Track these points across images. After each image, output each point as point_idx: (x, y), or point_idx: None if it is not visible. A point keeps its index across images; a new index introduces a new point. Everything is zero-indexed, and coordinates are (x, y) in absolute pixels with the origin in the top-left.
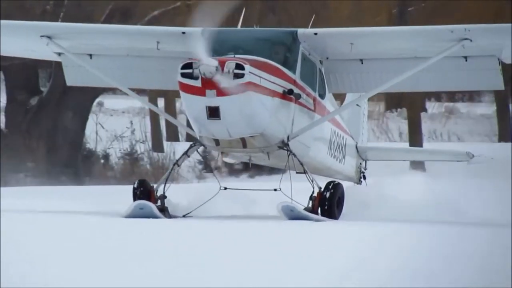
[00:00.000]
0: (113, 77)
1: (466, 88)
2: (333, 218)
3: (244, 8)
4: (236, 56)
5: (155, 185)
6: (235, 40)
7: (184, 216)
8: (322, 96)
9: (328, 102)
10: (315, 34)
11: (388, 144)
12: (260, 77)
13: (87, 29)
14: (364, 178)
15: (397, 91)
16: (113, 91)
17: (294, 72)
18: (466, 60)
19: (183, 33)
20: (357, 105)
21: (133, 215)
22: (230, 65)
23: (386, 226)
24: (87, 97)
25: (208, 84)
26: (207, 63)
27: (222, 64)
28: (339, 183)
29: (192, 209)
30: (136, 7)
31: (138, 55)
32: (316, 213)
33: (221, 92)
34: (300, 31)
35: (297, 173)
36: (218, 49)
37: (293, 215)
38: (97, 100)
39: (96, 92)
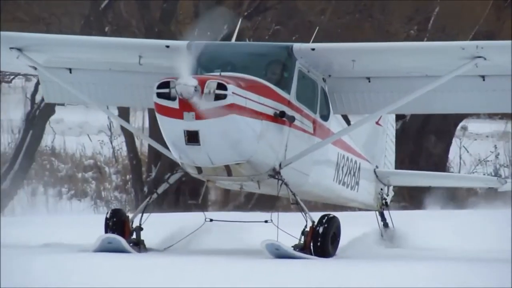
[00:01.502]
0: (95, 94)
1: (485, 111)
2: (327, 255)
3: (240, 19)
4: (223, 74)
5: (130, 215)
6: (224, 56)
7: (165, 249)
8: (325, 117)
9: (334, 124)
10: (313, 49)
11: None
12: (246, 98)
13: (60, 41)
14: (387, 205)
15: (410, 112)
16: (476, 115)
17: (289, 92)
18: (484, 80)
19: (167, 46)
20: (379, 124)
21: (101, 249)
22: (211, 85)
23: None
24: (450, 121)
25: (186, 106)
26: (185, 82)
27: (202, 83)
28: (334, 217)
29: (173, 243)
30: (501, 31)
31: (121, 70)
32: (309, 250)
33: (200, 115)
34: (296, 46)
35: (291, 204)
36: (205, 65)
37: (279, 254)
38: (461, 124)
39: (460, 116)
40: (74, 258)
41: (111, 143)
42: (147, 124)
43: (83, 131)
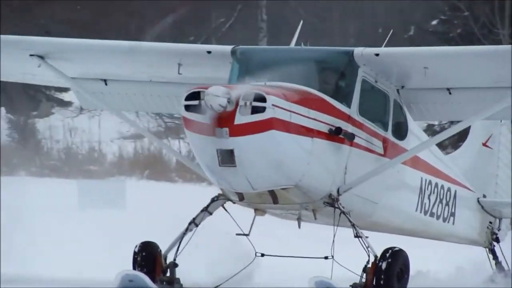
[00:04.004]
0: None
1: None
2: None
3: (302, 21)
4: (268, 83)
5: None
6: (273, 63)
7: None
8: (400, 136)
9: (414, 144)
10: (377, 55)
11: None
12: (291, 111)
13: (90, 46)
14: (498, 241)
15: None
16: None
17: (349, 105)
18: None
19: (209, 52)
20: (487, 146)
21: None
22: (247, 96)
23: None
24: None
25: (218, 120)
26: (215, 93)
27: (237, 94)
28: (400, 250)
29: (219, 284)
30: None
31: (162, 81)
32: None
33: (235, 131)
34: (357, 51)
35: (355, 237)
36: (252, 73)
37: None
38: None
39: None
40: None
41: None
42: None
43: None
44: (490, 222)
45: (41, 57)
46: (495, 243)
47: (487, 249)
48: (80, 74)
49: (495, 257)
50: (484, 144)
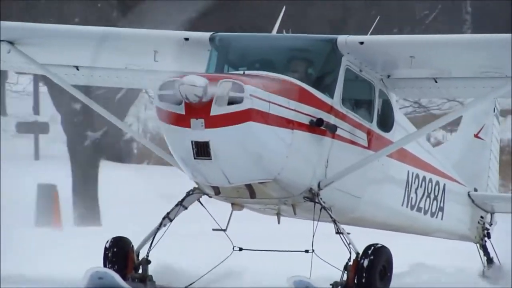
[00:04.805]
0: None
1: None
2: None
3: (284, 6)
4: (247, 72)
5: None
6: (252, 51)
7: None
8: (385, 128)
9: (400, 137)
10: (361, 43)
11: None
12: (269, 102)
13: (64, 32)
14: (489, 236)
15: None
16: None
17: (332, 96)
18: None
19: (186, 39)
20: (479, 137)
21: (92, 286)
22: (224, 86)
23: None
24: None
25: (194, 111)
26: (190, 82)
27: (213, 84)
28: (383, 247)
29: (195, 279)
30: None
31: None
32: None
33: (211, 123)
34: (341, 39)
35: (336, 233)
36: (232, 62)
37: None
38: None
39: None
40: None
41: None
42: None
43: None
44: (482, 217)
45: (10, 42)
46: (486, 239)
47: (478, 245)
48: (51, 60)
49: (486, 253)
50: (476, 136)
